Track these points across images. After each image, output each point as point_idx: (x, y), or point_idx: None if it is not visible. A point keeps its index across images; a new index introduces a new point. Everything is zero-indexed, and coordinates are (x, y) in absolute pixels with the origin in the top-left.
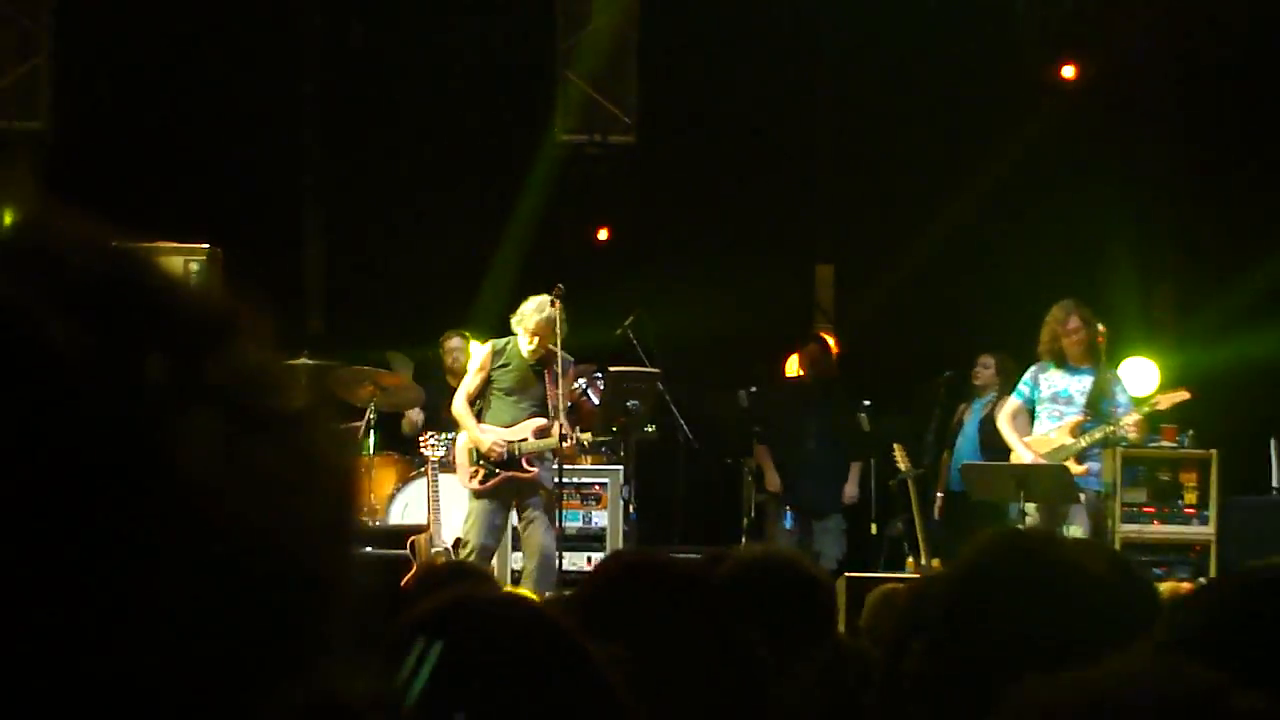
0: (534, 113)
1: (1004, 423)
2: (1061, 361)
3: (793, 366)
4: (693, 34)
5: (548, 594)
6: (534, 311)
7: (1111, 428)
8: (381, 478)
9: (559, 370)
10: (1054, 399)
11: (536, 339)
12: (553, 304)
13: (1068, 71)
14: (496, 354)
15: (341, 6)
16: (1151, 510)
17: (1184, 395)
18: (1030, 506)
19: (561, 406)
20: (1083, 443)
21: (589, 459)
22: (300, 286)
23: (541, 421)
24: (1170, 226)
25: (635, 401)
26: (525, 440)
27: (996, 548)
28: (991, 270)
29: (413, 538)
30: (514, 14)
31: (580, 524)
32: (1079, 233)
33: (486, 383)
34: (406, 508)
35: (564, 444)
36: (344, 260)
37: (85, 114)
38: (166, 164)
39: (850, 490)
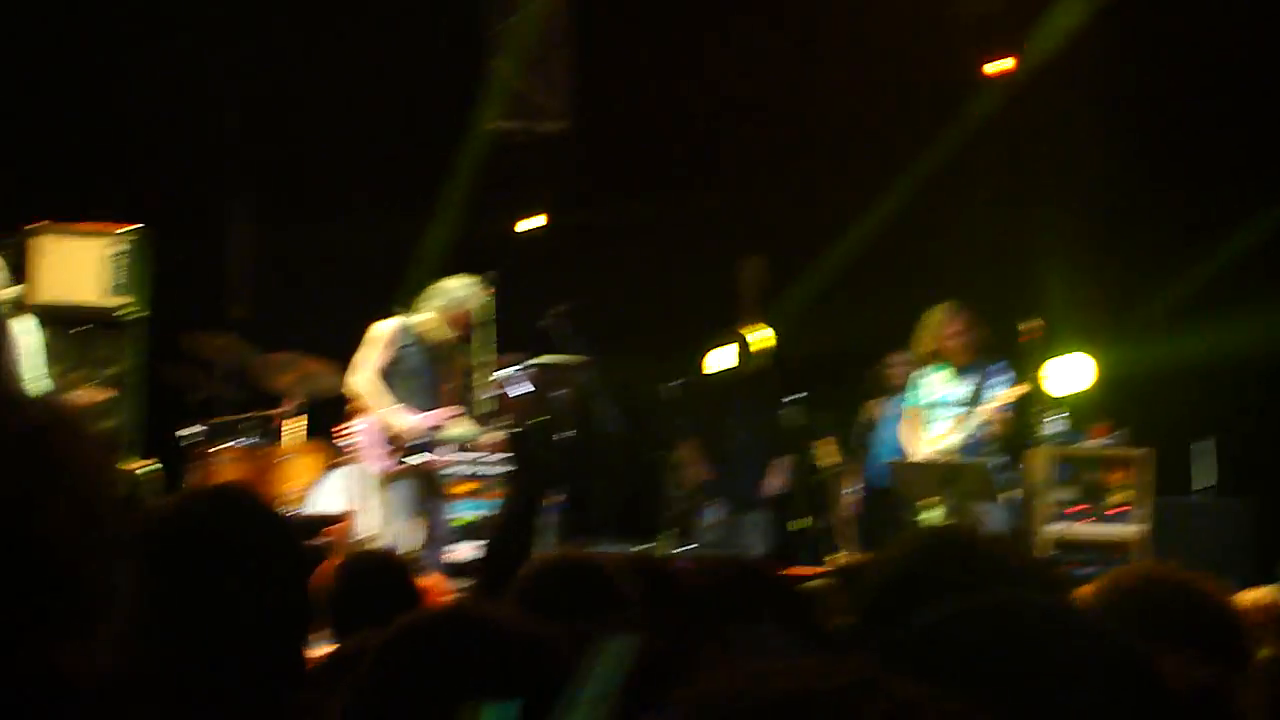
0: (464, 99)
1: (904, 431)
2: (942, 364)
3: (724, 358)
4: (627, 20)
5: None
6: (455, 292)
7: (976, 418)
8: (304, 465)
9: (469, 357)
10: (943, 402)
11: (456, 320)
12: (477, 288)
13: (1004, 64)
14: (404, 330)
15: None
16: (1082, 508)
17: (1025, 388)
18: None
19: (479, 395)
20: (957, 440)
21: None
22: (225, 272)
23: (456, 410)
24: (1106, 222)
25: (561, 392)
26: (441, 427)
27: (923, 544)
28: (925, 264)
29: (331, 527)
30: None
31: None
32: (1013, 227)
33: (390, 361)
34: (331, 495)
35: (483, 436)
36: (270, 246)
37: (7, 91)
38: (92, 145)
39: (775, 482)
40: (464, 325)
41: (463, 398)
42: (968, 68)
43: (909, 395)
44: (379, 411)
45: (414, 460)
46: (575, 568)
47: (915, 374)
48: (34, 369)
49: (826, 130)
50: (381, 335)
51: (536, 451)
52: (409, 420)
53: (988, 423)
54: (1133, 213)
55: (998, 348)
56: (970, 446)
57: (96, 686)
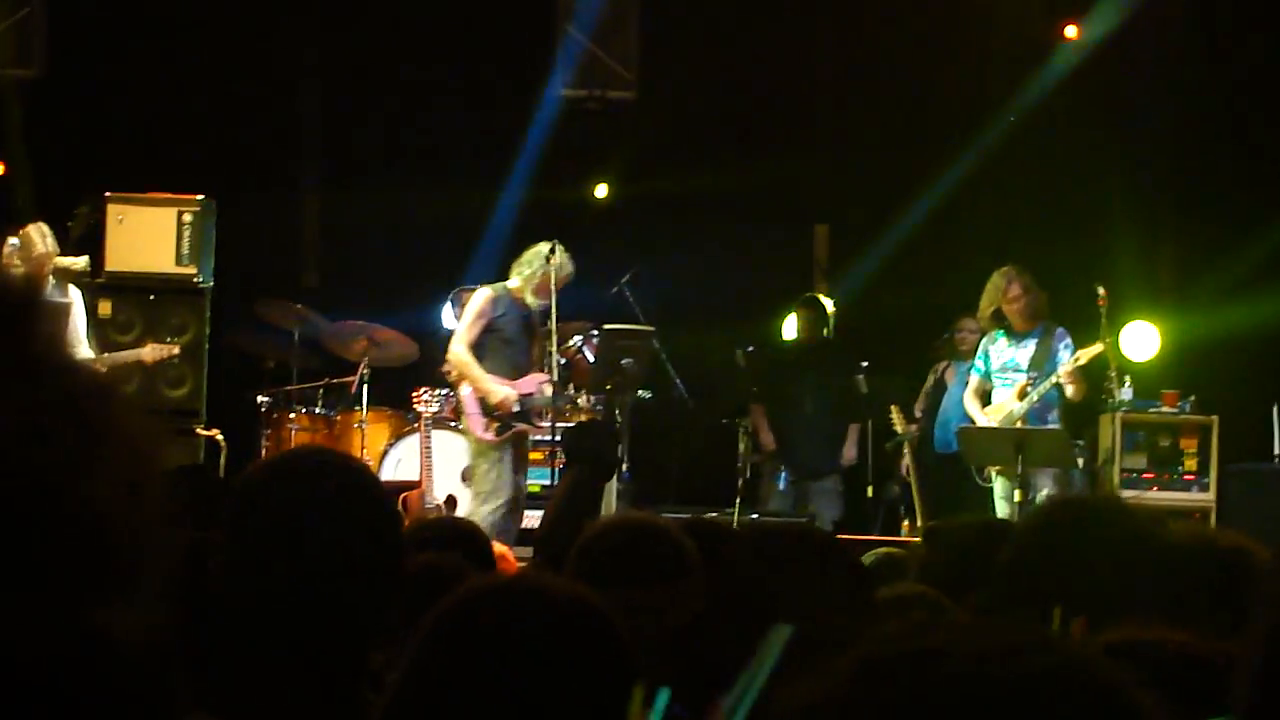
0: (533, 67)
1: (969, 399)
2: (1006, 329)
3: (790, 327)
4: None
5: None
6: (538, 259)
7: (1049, 382)
8: (374, 434)
9: (551, 323)
10: (1003, 370)
11: (539, 288)
12: (552, 254)
13: (1070, 31)
14: (496, 301)
15: None
16: (1151, 476)
17: (1098, 348)
18: (994, 473)
19: (555, 361)
20: (1025, 405)
21: (583, 416)
22: (296, 240)
23: (546, 376)
24: (1174, 190)
25: (629, 359)
26: (534, 394)
27: (1063, 510)
28: (991, 232)
29: (404, 494)
30: None
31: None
32: (1080, 195)
33: (485, 331)
34: (399, 464)
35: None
36: (340, 215)
37: (80, 61)
38: (162, 113)
39: (849, 452)
40: (549, 292)
41: (541, 363)
42: (1037, 33)
43: (978, 366)
44: (476, 381)
45: (518, 426)
46: (638, 531)
47: (984, 341)
48: (76, 338)
49: (895, 96)
50: (476, 305)
51: (600, 420)
52: (505, 390)
53: (1059, 385)
54: (1201, 179)
55: (1059, 313)
56: (1034, 413)
57: (140, 647)
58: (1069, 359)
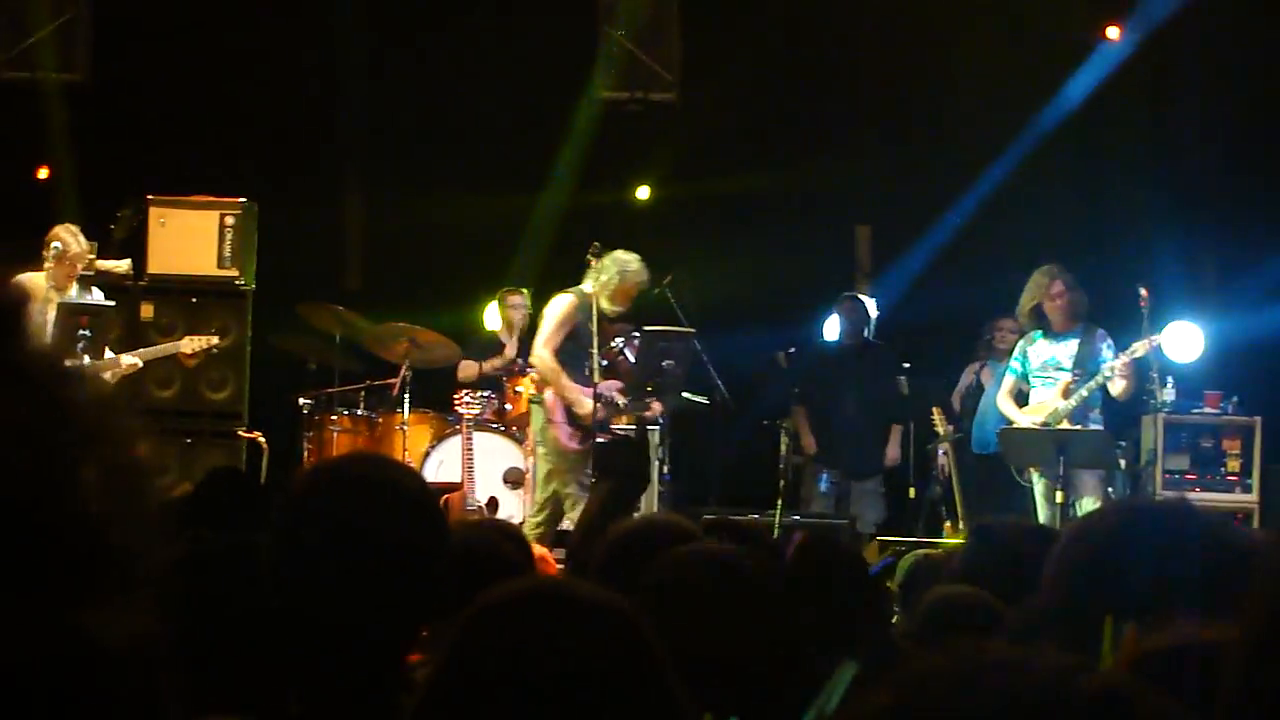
0: (575, 69)
1: (1004, 399)
2: (1045, 328)
3: (832, 328)
4: None
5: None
6: (625, 266)
7: (1096, 382)
8: (416, 435)
9: (593, 324)
10: (1044, 368)
11: (616, 295)
12: (642, 263)
13: (1112, 32)
14: (580, 307)
15: None
16: (1194, 477)
17: (1157, 339)
18: (1035, 474)
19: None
20: (1073, 401)
21: (625, 418)
22: (338, 242)
23: (619, 383)
24: (1216, 190)
25: (671, 361)
26: (617, 401)
27: (1123, 515)
28: (1032, 233)
29: (446, 496)
30: None
31: None
32: (1122, 195)
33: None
34: (441, 465)
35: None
36: (382, 217)
37: (124, 66)
38: (205, 117)
39: (892, 453)
40: (628, 300)
41: (614, 370)
42: (1079, 34)
43: (1014, 367)
44: (565, 390)
45: (592, 435)
46: (665, 531)
47: (1021, 342)
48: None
49: (937, 96)
50: (559, 311)
51: (630, 437)
52: (587, 399)
53: (1104, 384)
54: (1244, 179)
55: (1101, 314)
56: (1077, 412)
57: (130, 649)
58: (1112, 358)
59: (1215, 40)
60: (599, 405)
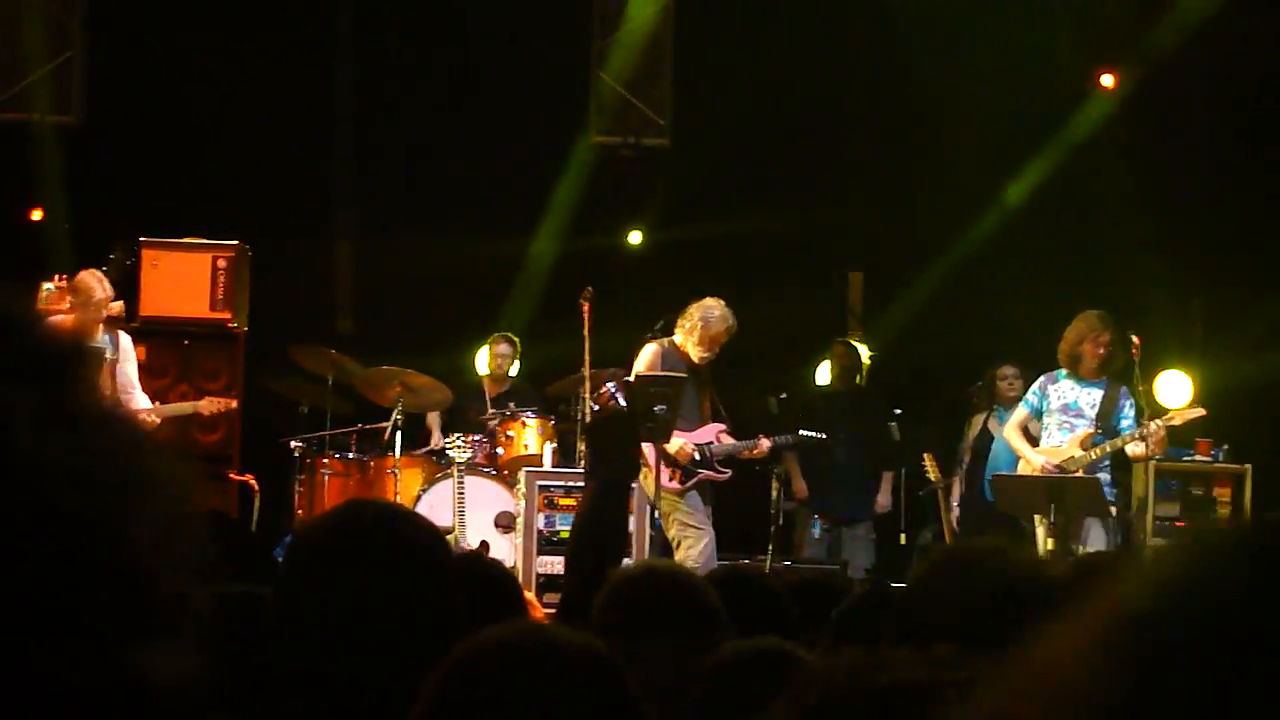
0: (568, 114)
1: (1012, 432)
2: (1074, 371)
3: (824, 374)
4: (727, 36)
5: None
6: (710, 313)
7: (1121, 441)
8: (408, 478)
9: (585, 369)
10: (1064, 410)
11: (711, 343)
12: (727, 309)
13: (1106, 80)
14: (665, 355)
15: (375, 5)
16: (1184, 524)
17: (1200, 412)
18: (1037, 519)
19: (589, 407)
20: (1093, 455)
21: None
22: (331, 285)
23: (722, 426)
24: (1205, 238)
25: (662, 406)
26: (712, 444)
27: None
28: (1023, 279)
29: None
30: (549, 14)
31: None
32: (1113, 243)
33: None
34: (432, 509)
35: (751, 451)
36: (375, 260)
37: (118, 108)
38: (198, 160)
39: (883, 500)
40: (717, 346)
41: (703, 414)
42: (1072, 82)
43: (1030, 400)
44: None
45: (701, 474)
46: (661, 580)
47: (1044, 378)
48: (128, 384)
49: (928, 144)
50: (645, 359)
51: (622, 412)
52: (677, 439)
53: (1133, 442)
54: (1233, 228)
55: (1126, 372)
56: (1092, 465)
57: (179, 690)
58: (1133, 418)
59: (1202, 91)
60: (696, 447)
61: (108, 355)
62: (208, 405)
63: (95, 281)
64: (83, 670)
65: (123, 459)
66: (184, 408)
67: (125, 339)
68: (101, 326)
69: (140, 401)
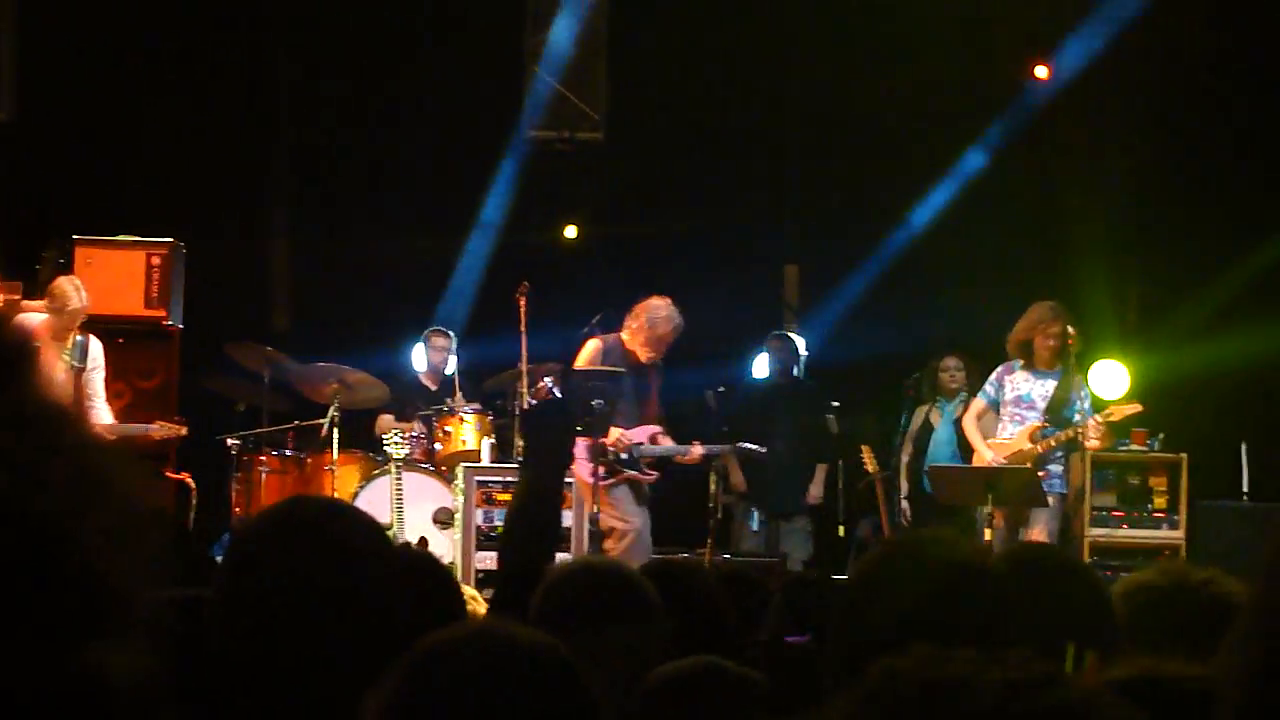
0: (503, 108)
1: (969, 423)
2: (1028, 362)
3: (761, 367)
4: (662, 31)
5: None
6: (656, 313)
7: (1070, 433)
8: (345, 476)
9: (522, 364)
10: (1017, 402)
11: (658, 344)
12: (675, 310)
13: (1040, 71)
14: (606, 352)
15: (310, 3)
16: (1120, 514)
17: (1136, 408)
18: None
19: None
20: (1039, 448)
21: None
22: (266, 282)
23: (658, 429)
24: (1140, 229)
25: (600, 400)
26: (643, 444)
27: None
28: (959, 271)
29: None
30: (483, 8)
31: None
32: (1048, 234)
33: None
34: (370, 506)
35: (683, 457)
36: (310, 256)
37: (50, 106)
38: (132, 157)
39: (815, 492)
40: (664, 346)
41: (643, 414)
42: (1007, 73)
43: (987, 391)
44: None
45: (625, 473)
46: (599, 574)
47: (1000, 368)
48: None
49: (862, 137)
50: (586, 354)
51: (557, 400)
52: (616, 432)
53: (1078, 437)
54: (1167, 219)
55: (1083, 362)
56: (1042, 458)
57: (133, 685)
58: (1088, 414)
59: (1136, 82)
60: (630, 445)
61: (75, 363)
62: (159, 430)
63: (72, 289)
64: (37, 667)
65: (73, 459)
66: (135, 430)
67: (96, 347)
68: (74, 334)
69: (102, 415)
